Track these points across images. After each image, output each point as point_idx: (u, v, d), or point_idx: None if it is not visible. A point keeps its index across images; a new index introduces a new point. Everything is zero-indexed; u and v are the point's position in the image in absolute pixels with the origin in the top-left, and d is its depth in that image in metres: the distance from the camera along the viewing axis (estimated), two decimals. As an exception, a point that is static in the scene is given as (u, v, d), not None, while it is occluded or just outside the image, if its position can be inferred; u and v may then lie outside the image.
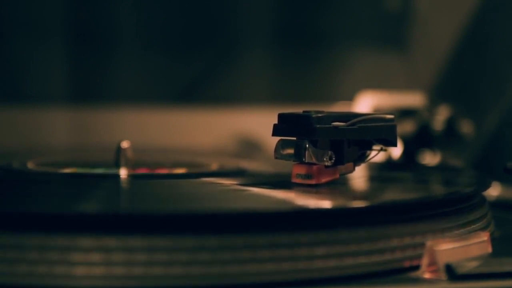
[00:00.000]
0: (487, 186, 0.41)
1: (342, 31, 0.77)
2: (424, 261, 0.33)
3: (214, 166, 0.48)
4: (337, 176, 0.39)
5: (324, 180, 0.38)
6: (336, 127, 0.37)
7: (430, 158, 0.58)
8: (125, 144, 0.45)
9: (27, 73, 0.73)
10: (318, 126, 0.37)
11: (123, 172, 0.44)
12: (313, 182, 0.37)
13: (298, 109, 0.39)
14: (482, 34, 0.68)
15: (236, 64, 0.76)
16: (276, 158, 0.38)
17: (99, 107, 0.73)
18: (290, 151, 0.37)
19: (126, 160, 0.45)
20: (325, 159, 0.37)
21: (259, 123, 0.65)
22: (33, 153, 0.58)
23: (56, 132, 0.72)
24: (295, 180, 0.38)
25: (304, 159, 0.37)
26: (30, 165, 0.48)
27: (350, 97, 0.67)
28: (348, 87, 0.74)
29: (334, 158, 0.38)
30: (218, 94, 0.76)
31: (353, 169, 0.40)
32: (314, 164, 0.37)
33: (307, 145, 0.37)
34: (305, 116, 0.37)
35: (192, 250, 0.30)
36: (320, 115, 0.37)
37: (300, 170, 0.38)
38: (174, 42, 0.76)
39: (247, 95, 0.76)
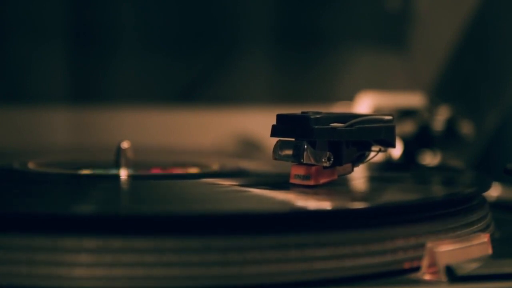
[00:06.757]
0: (487, 187, 0.41)
1: (342, 31, 0.77)
2: (424, 263, 0.32)
3: (214, 167, 0.48)
4: (336, 177, 0.39)
5: (322, 181, 0.38)
6: (334, 128, 0.37)
7: (430, 159, 0.58)
8: (125, 144, 0.45)
9: (27, 73, 0.73)
10: (316, 127, 0.36)
11: (123, 173, 0.44)
12: (311, 183, 0.37)
13: (298, 109, 0.39)
14: (482, 34, 0.68)
15: (236, 64, 0.76)
16: (274, 159, 0.38)
17: (99, 107, 0.73)
18: (289, 152, 0.37)
19: (126, 161, 0.45)
20: (323, 160, 0.37)
21: (259, 123, 0.65)
22: (33, 153, 0.58)
23: (56, 132, 0.72)
24: (293, 181, 0.38)
25: (302, 160, 0.37)
26: (30, 165, 0.48)
27: (350, 97, 0.67)
28: (348, 87, 0.74)
29: (332, 159, 0.38)
30: (218, 94, 0.76)
31: (352, 170, 0.40)
32: (313, 165, 0.37)
33: (305, 146, 0.37)
34: (303, 117, 0.37)
35: (192, 251, 0.30)
36: (318, 116, 0.37)
37: (298, 171, 0.38)
38: (174, 42, 0.76)
39: (247, 95, 0.76)
